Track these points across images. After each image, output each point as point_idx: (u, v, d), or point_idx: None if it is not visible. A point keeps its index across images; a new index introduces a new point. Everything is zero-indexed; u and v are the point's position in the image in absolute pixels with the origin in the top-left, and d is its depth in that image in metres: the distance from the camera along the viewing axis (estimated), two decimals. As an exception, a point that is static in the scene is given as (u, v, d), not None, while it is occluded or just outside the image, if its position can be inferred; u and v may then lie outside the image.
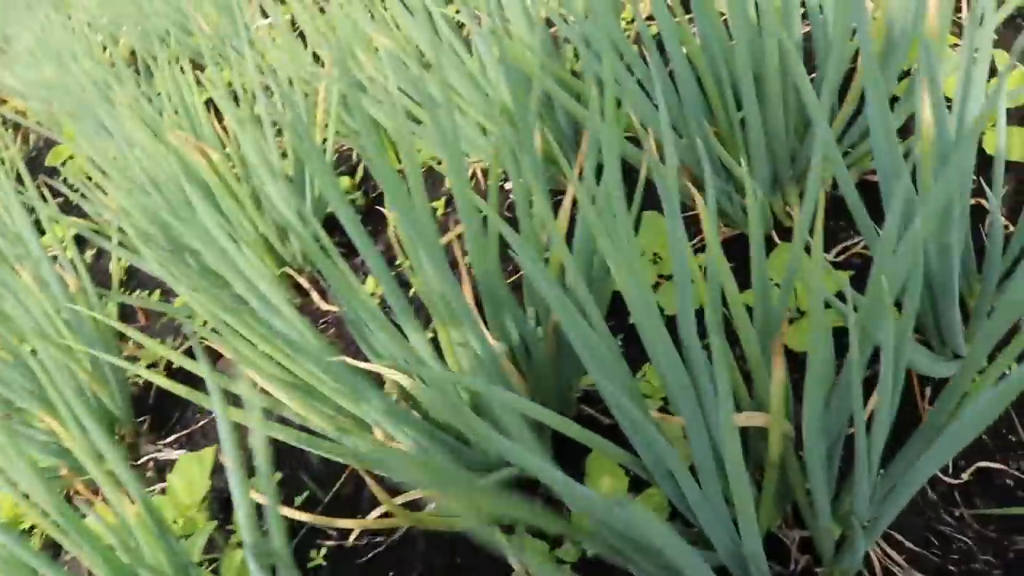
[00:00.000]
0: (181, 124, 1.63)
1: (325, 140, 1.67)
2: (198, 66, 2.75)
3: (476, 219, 0.87)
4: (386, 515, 0.95)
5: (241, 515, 0.71)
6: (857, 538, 0.72)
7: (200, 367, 0.82)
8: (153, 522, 0.85)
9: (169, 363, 1.75)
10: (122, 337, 1.79)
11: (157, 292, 2.03)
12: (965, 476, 0.99)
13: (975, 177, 1.01)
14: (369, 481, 0.83)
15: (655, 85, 0.98)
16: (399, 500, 0.95)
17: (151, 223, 1.46)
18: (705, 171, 0.75)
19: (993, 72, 1.27)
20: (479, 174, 1.74)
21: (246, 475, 0.80)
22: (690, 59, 1.17)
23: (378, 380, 0.95)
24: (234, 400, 0.83)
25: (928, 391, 1.04)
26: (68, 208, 2.46)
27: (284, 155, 1.82)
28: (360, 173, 1.98)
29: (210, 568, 1.17)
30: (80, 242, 2.48)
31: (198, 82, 2.32)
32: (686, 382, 0.68)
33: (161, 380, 0.92)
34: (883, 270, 0.65)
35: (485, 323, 0.95)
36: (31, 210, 2.55)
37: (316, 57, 1.94)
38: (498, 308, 0.88)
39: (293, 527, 1.23)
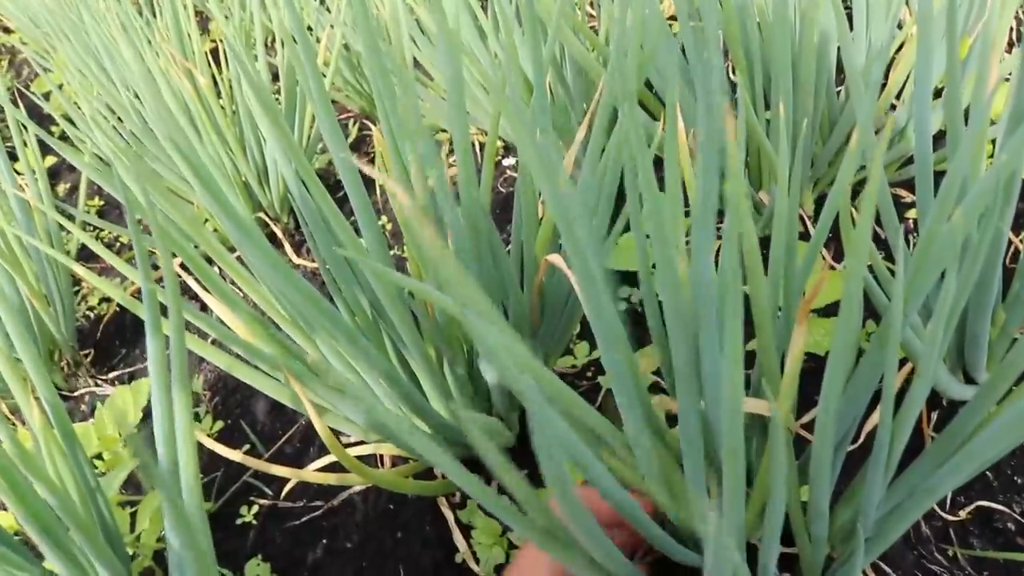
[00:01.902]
0: (172, 47, 1.53)
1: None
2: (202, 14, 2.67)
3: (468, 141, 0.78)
4: (328, 470, 0.85)
5: (157, 430, 0.61)
6: (858, 550, 0.63)
7: (139, 274, 0.72)
8: (63, 438, 0.75)
9: (121, 307, 1.65)
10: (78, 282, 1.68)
11: (125, 237, 1.92)
12: (963, 514, 0.91)
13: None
14: (318, 425, 0.73)
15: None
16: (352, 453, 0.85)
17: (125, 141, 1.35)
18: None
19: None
20: (477, 146, 1.66)
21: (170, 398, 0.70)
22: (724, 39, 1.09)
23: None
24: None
25: (934, 416, 0.97)
26: (45, 147, 2.36)
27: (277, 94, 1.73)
28: (352, 136, 1.89)
29: (131, 510, 1.06)
30: (54, 176, 2.38)
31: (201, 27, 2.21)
32: (689, 334, 0.59)
33: (102, 281, 0.82)
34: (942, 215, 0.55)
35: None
36: (6, 139, 2.46)
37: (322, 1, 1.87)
38: (478, 238, 0.77)
39: (228, 478, 1.12)
